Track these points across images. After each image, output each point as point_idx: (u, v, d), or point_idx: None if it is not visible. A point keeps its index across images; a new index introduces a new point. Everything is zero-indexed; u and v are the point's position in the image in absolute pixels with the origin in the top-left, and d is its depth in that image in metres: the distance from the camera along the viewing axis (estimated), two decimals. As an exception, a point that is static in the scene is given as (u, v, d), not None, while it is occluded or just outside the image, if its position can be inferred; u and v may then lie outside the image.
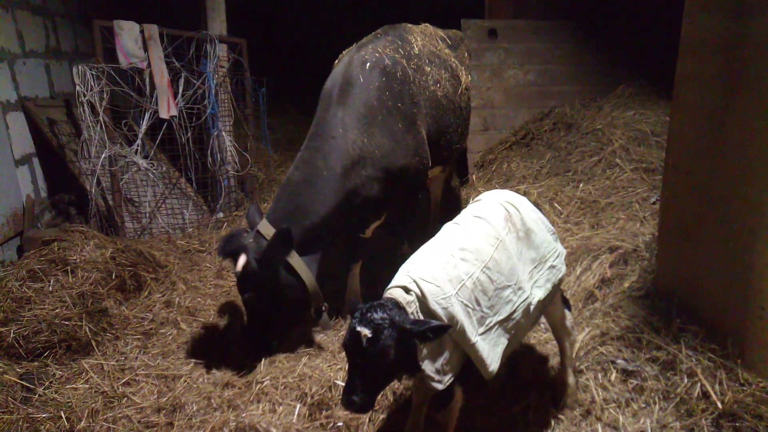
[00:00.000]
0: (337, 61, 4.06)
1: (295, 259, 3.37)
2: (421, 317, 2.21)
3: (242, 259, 3.26)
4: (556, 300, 2.81)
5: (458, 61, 4.74)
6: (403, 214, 4.09)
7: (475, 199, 2.86)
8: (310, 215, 3.47)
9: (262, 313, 3.45)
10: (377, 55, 3.83)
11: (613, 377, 2.94)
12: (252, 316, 3.51)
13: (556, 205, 5.00)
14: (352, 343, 2.11)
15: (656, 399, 2.75)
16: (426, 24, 4.76)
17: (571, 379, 2.93)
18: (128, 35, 5.00)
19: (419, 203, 4.11)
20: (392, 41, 4.04)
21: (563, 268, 2.74)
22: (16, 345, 3.39)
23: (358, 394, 2.11)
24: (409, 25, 4.48)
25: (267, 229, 3.37)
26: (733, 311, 2.85)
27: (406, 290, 2.26)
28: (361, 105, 3.63)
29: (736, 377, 2.68)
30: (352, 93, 3.65)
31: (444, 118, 4.26)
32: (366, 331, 2.07)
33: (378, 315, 2.10)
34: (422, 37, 4.39)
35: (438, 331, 2.12)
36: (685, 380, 2.74)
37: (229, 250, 3.34)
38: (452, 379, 2.32)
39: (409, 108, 3.82)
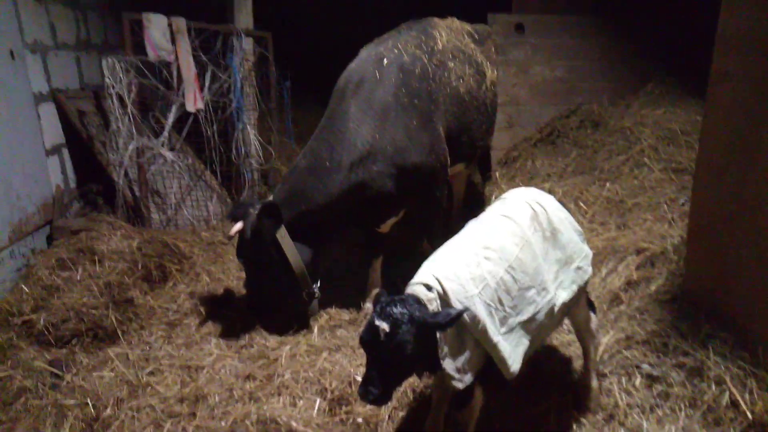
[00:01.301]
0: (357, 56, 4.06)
1: (283, 238, 3.53)
2: (443, 316, 2.20)
3: (237, 226, 3.54)
4: (581, 302, 2.77)
5: (484, 56, 4.68)
6: (422, 210, 4.08)
7: (500, 197, 2.82)
8: (308, 202, 3.60)
9: (252, 280, 3.76)
10: (396, 51, 3.82)
11: (637, 382, 2.89)
12: (246, 281, 3.86)
13: (581, 204, 4.92)
14: (370, 337, 2.11)
15: (682, 406, 2.69)
16: (452, 18, 4.70)
17: (594, 383, 2.88)
18: (156, 28, 5.05)
19: (439, 200, 4.09)
20: (416, 36, 4.01)
21: (589, 270, 2.69)
22: (46, 332, 3.48)
23: (375, 386, 2.11)
24: (435, 20, 4.44)
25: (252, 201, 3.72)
26: (765, 318, 2.77)
27: (428, 287, 2.25)
28: (375, 101, 3.64)
29: (766, 386, 2.61)
30: (366, 89, 3.66)
31: (466, 114, 4.22)
32: (384, 326, 2.07)
33: (397, 310, 2.10)
34: (447, 31, 4.34)
35: (457, 318, 2.11)
36: (713, 388, 2.68)
37: (235, 215, 3.64)
38: (473, 378, 2.31)
39: (426, 105, 3.80)
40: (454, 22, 4.64)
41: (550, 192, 4.80)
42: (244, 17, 5.85)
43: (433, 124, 3.85)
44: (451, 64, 4.11)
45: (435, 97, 3.88)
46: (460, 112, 4.14)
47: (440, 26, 4.35)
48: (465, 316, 2.20)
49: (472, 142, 4.43)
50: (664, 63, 6.43)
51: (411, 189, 3.80)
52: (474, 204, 5.70)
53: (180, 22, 5.14)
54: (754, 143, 2.79)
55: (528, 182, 5.64)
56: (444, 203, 4.24)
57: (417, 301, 2.20)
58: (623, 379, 2.94)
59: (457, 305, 2.22)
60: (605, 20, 6.52)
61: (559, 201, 2.77)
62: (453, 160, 4.10)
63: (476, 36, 4.74)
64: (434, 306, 2.22)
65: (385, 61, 3.74)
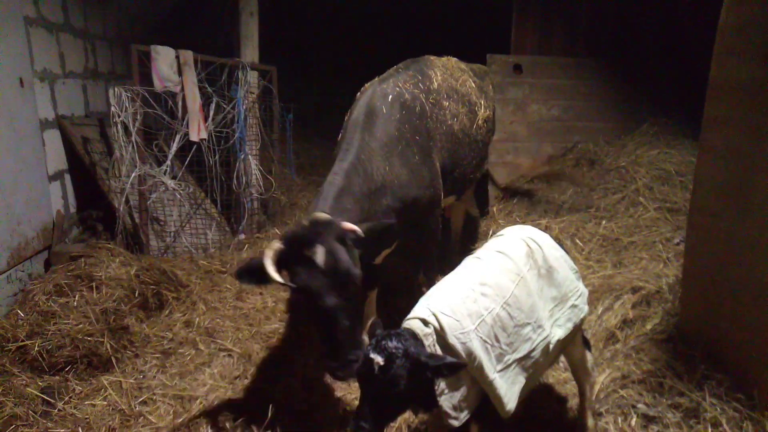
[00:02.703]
0: (359, 93, 4.16)
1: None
2: (438, 351, 2.21)
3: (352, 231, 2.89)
4: (576, 339, 2.78)
5: (483, 92, 4.82)
6: (417, 242, 4.12)
7: (497, 234, 2.86)
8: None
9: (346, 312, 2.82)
10: (398, 89, 3.92)
11: (633, 422, 2.87)
12: (340, 319, 2.77)
13: (577, 241, 4.97)
14: (364, 370, 2.11)
15: (679, 448, 2.68)
16: (448, 57, 4.83)
17: (590, 422, 2.87)
18: (164, 60, 5.17)
19: (432, 233, 4.14)
20: (413, 76, 4.12)
21: (585, 308, 2.71)
22: (40, 358, 3.45)
23: (367, 421, 2.09)
24: (432, 59, 4.54)
25: (322, 217, 2.97)
26: (761, 360, 2.78)
27: (425, 323, 2.27)
28: (384, 134, 3.71)
29: (763, 429, 2.60)
30: (376, 122, 3.73)
31: (459, 151, 4.32)
32: (379, 359, 2.07)
33: (392, 344, 2.11)
34: (443, 71, 4.45)
35: (453, 368, 2.11)
36: (710, 430, 2.67)
37: (311, 238, 2.78)
38: (468, 416, 2.30)
39: (425, 141, 3.90)
40: (450, 61, 4.76)
41: (547, 228, 4.87)
42: (251, 52, 6.00)
43: (432, 159, 3.94)
44: (445, 103, 4.23)
45: (433, 134, 3.99)
46: (454, 149, 4.24)
47: (436, 65, 4.45)
48: (461, 351, 2.21)
49: (464, 177, 4.54)
50: (660, 104, 6.58)
51: (408, 222, 3.84)
52: (471, 237, 5.75)
53: (187, 55, 5.27)
54: (747, 188, 2.85)
55: (525, 218, 5.70)
56: (439, 235, 4.29)
57: (413, 335, 2.21)
58: (619, 419, 2.92)
59: (453, 341, 2.23)
60: (601, 62, 6.70)
61: (556, 237, 2.82)
62: (445, 193, 4.19)
63: (472, 74, 4.87)
64: (430, 341, 2.23)
65: (390, 97, 3.85)
